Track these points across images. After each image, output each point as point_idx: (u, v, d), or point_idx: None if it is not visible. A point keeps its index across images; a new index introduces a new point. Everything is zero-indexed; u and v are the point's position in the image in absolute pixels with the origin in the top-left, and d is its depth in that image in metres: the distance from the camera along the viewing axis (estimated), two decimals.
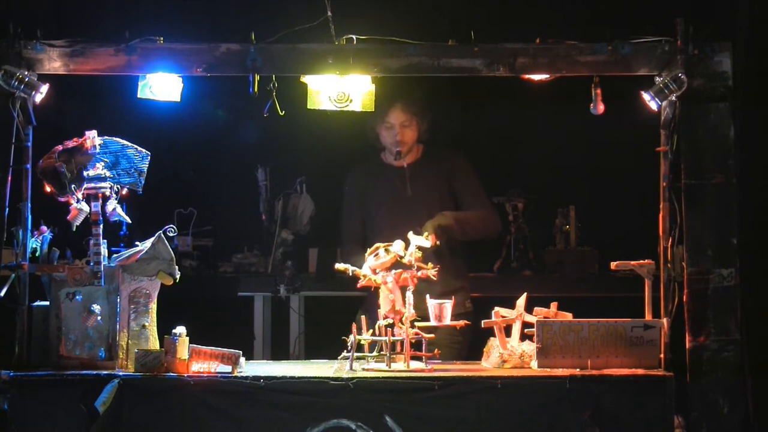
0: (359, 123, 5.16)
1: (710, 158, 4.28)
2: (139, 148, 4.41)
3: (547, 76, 4.44)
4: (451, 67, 4.39)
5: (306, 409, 4.10)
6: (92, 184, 4.27)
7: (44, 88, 4.31)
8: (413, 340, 4.33)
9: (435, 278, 4.38)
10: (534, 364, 4.31)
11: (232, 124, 6.79)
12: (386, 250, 4.40)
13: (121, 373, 4.16)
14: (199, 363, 4.19)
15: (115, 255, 4.35)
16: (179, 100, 4.49)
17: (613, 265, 4.42)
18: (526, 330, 4.39)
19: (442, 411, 4.11)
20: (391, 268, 4.40)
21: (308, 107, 4.50)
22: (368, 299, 5.14)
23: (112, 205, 4.33)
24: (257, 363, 4.64)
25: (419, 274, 4.37)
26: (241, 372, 4.22)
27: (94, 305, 4.22)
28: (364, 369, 4.29)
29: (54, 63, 4.36)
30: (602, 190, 6.77)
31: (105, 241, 4.29)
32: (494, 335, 4.42)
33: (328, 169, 6.48)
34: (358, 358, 4.36)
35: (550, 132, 6.76)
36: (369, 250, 4.46)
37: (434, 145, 5.33)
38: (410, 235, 4.45)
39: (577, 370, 4.21)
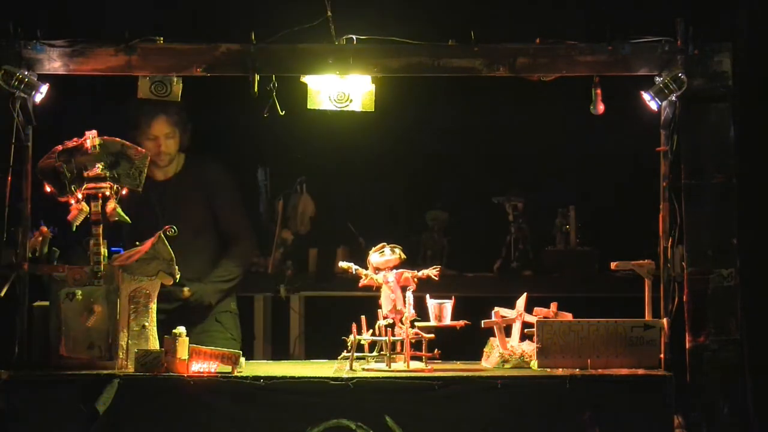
0: (359, 123, 5.15)
1: (710, 158, 4.29)
2: (139, 148, 4.40)
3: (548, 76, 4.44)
4: (451, 67, 4.39)
5: (306, 409, 4.10)
6: (92, 184, 4.27)
7: (44, 88, 4.30)
8: (413, 340, 4.33)
9: (436, 278, 4.37)
10: (534, 364, 4.30)
11: (232, 124, 6.78)
12: (392, 250, 4.39)
13: (121, 373, 4.16)
14: (199, 363, 4.19)
15: (115, 255, 4.35)
16: (179, 100, 4.49)
17: (613, 265, 4.42)
18: (526, 330, 4.39)
19: (442, 411, 4.11)
20: (394, 268, 4.40)
21: (308, 107, 4.50)
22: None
23: (112, 205, 4.32)
24: (257, 363, 4.64)
25: (420, 274, 4.37)
26: (241, 372, 4.22)
27: (94, 305, 4.22)
28: (364, 369, 4.29)
29: (54, 63, 4.36)
30: (602, 190, 6.76)
31: (105, 241, 4.29)
32: (494, 335, 4.42)
33: (328, 169, 6.49)
34: (358, 358, 4.35)
35: (550, 132, 6.75)
36: (374, 248, 4.43)
37: (197, 155, 5.19)
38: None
39: (577, 370, 4.21)
